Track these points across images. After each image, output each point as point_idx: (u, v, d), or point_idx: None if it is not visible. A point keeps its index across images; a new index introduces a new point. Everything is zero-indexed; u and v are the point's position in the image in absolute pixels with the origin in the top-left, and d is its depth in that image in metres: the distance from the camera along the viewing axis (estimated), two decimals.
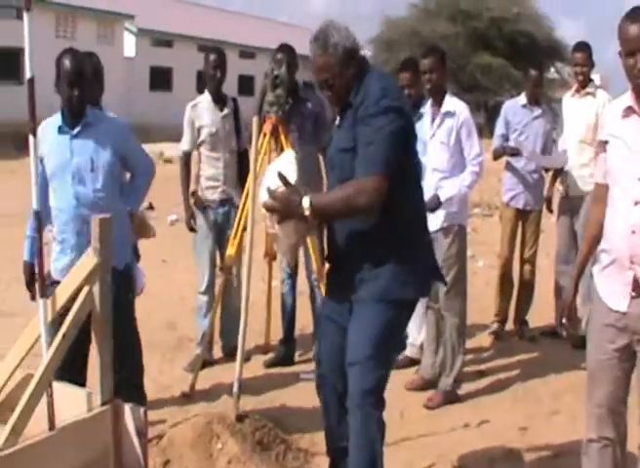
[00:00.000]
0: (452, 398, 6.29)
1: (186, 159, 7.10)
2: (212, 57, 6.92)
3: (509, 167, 7.86)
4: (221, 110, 6.95)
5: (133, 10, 37.22)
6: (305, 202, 3.80)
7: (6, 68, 29.95)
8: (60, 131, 4.94)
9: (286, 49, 6.75)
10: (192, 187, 7.08)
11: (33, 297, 5.10)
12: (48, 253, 4.58)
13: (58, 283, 4.75)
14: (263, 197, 3.98)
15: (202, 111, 6.94)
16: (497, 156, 7.88)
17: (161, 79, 38.88)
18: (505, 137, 7.81)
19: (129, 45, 38.53)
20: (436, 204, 6.01)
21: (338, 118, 4.20)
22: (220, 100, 7.00)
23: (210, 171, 6.98)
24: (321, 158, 6.79)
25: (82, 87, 4.81)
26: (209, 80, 7.00)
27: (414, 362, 7.07)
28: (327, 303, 4.45)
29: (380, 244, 4.02)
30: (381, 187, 3.82)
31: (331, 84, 4.04)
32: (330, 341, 4.27)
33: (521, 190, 7.78)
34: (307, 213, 3.80)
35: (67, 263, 4.88)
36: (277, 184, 3.92)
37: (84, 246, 4.62)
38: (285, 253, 4.83)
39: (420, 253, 4.18)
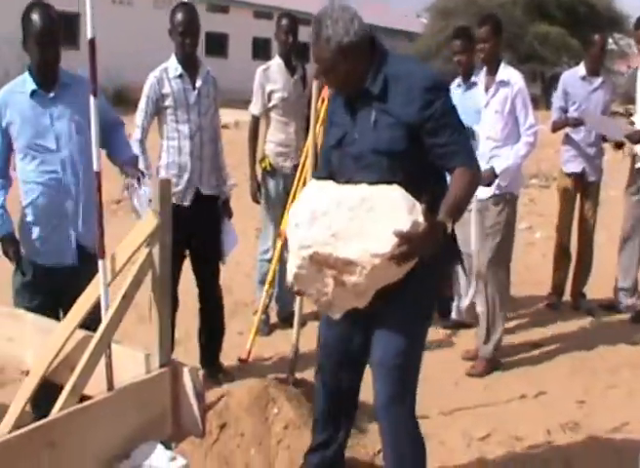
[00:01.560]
0: (494, 365, 6.26)
1: (255, 124, 6.97)
2: (284, 21, 6.83)
3: (568, 139, 7.72)
4: (292, 75, 6.88)
5: None
6: (448, 221, 3.45)
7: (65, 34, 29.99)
8: (34, 95, 4.51)
9: None
10: (258, 154, 7.00)
11: (24, 273, 4.65)
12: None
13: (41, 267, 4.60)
14: (385, 247, 3.33)
15: (274, 75, 6.84)
16: (557, 128, 7.75)
17: (216, 45, 38.79)
18: (564, 110, 7.67)
19: None
20: (492, 177, 5.94)
21: (347, 108, 3.82)
22: (290, 66, 6.91)
23: (280, 136, 6.90)
24: None
25: (57, 44, 4.40)
26: (280, 45, 6.91)
27: (459, 324, 7.12)
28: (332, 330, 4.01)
29: None
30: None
31: (328, 76, 3.74)
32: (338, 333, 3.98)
33: (580, 162, 7.64)
34: (449, 229, 3.48)
35: (47, 241, 4.59)
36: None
37: (67, 219, 4.56)
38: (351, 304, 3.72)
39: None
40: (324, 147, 4.08)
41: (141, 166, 5.49)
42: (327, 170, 3.98)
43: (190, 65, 5.61)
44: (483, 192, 6.09)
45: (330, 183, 3.70)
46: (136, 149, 5.42)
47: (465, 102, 6.70)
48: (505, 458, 4.83)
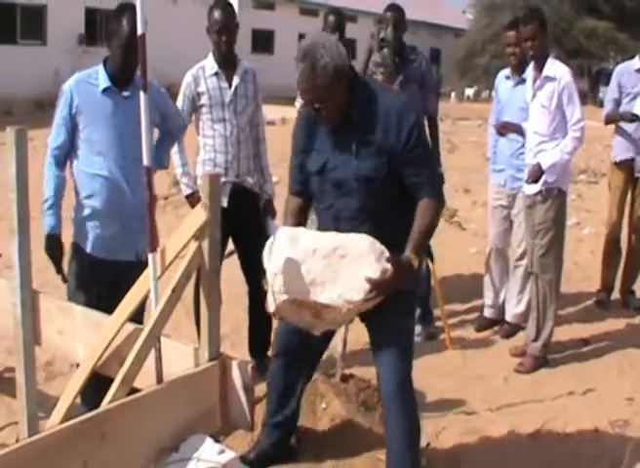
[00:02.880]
0: (542, 363, 6.21)
1: None
2: (331, 18, 6.75)
3: (620, 131, 7.62)
4: None
5: None
6: (415, 259, 3.76)
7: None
8: (106, 91, 4.58)
9: (394, 9, 6.63)
10: None
11: (64, 280, 4.72)
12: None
13: (95, 258, 4.66)
14: (358, 294, 3.64)
15: None
16: (609, 121, 7.67)
17: (263, 42, 38.94)
18: (618, 102, 7.58)
19: None
20: (539, 173, 5.91)
21: (329, 136, 3.92)
22: None
23: None
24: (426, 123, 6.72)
25: (136, 49, 4.21)
26: None
27: (493, 322, 7.07)
28: None
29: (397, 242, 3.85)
30: None
31: (320, 106, 3.77)
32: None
33: (632, 156, 7.55)
34: (416, 265, 3.79)
35: (103, 235, 4.65)
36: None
37: (120, 214, 4.60)
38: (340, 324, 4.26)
39: None
40: (301, 169, 4.10)
41: (176, 164, 5.56)
42: (299, 188, 4.13)
43: (227, 63, 5.59)
44: (531, 188, 6.05)
45: (299, 231, 3.85)
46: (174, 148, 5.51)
47: (513, 98, 6.69)
48: (553, 455, 4.80)
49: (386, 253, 3.66)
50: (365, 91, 3.87)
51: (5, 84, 24.11)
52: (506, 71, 6.90)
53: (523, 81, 6.58)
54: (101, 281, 4.62)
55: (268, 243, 3.81)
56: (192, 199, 5.57)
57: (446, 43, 49.10)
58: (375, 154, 3.79)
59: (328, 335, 4.23)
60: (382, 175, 3.80)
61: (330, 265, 3.67)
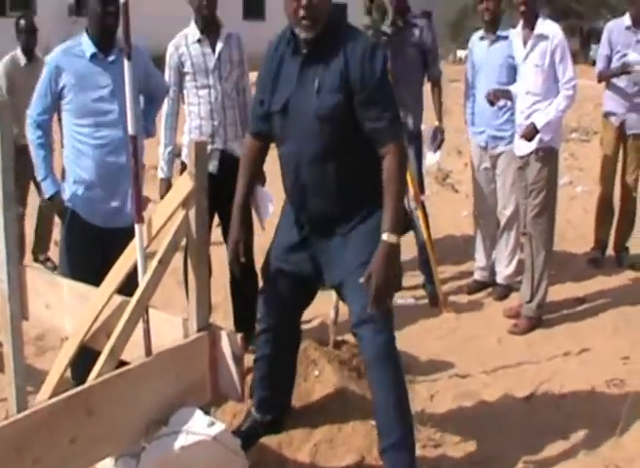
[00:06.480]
0: (537, 323, 6.18)
1: None
2: None
3: (612, 87, 7.54)
4: None
5: None
6: (392, 239, 3.67)
7: None
8: (93, 58, 4.57)
9: None
10: None
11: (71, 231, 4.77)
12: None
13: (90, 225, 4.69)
14: None
15: None
16: (602, 78, 7.60)
17: (254, 8, 38.58)
18: (609, 59, 7.50)
19: None
20: (533, 132, 5.86)
21: (294, 72, 3.84)
22: None
23: None
24: (430, 89, 6.82)
25: (117, 9, 4.31)
26: None
27: (484, 285, 7.04)
28: (279, 250, 4.14)
29: (367, 199, 3.85)
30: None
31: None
32: (280, 297, 4.12)
33: (623, 112, 7.48)
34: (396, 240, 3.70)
35: (96, 203, 4.67)
36: None
37: (112, 182, 4.62)
38: None
39: None
40: (263, 107, 4.02)
41: (161, 141, 5.51)
42: (260, 128, 4.10)
43: (210, 28, 5.47)
44: (524, 148, 6.01)
45: None
46: (163, 123, 5.49)
47: (489, 57, 6.63)
48: (549, 417, 4.77)
49: None
50: (343, 26, 3.87)
51: None
52: (480, 32, 6.85)
53: (498, 38, 6.56)
54: (95, 245, 4.62)
55: None
56: (163, 184, 5.53)
57: (438, 4, 48.72)
58: (336, 90, 3.72)
59: (304, 302, 4.24)
60: (342, 115, 3.73)
61: None
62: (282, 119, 3.90)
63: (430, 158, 7.10)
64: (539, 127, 5.84)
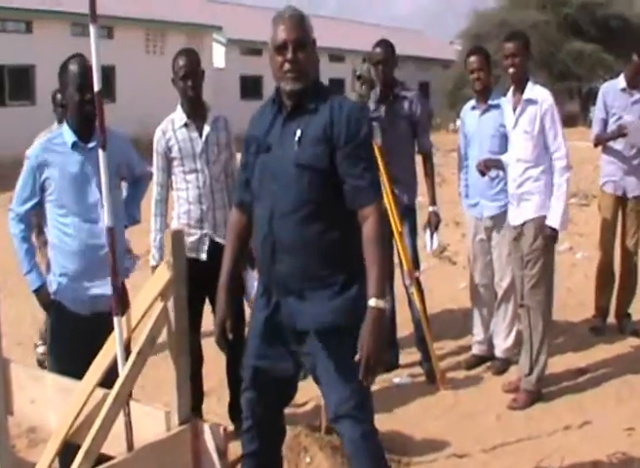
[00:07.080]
0: (537, 397, 6.06)
1: None
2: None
3: (608, 151, 7.55)
4: None
5: (220, 21, 37.42)
6: (380, 304, 3.61)
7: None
8: (74, 147, 4.56)
9: (382, 45, 6.58)
10: None
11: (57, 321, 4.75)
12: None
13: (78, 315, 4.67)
14: None
15: None
16: (599, 142, 7.59)
17: (252, 87, 39.05)
18: (605, 122, 7.50)
19: (218, 56, 38.75)
20: (554, 233, 5.88)
21: (278, 128, 3.88)
22: None
23: None
24: (421, 161, 6.76)
25: (91, 93, 4.14)
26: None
27: (483, 359, 6.93)
28: (256, 343, 4.04)
29: (340, 262, 3.80)
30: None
31: (300, 54, 3.75)
32: (261, 397, 4.04)
33: (620, 176, 7.46)
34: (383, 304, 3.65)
35: (81, 294, 4.63)
36: None
37: (97, 271, 4.54)
38: None
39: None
40: (244, 171, 4.05)
41: (152, 227, 5.49)
42: (242, 198, 4.09)
43: (196, 112, 5.46)
44: (518, 216, 5.97)
45: None
46: (153, 209, 5.48)
47: (481, 127, 6.62)
48: None
49: None
50: (325, 88, 3.98)
51: None
52: (472, 102, 6.85)
53: (490, 108, 6.56)
54: (82, 335, 4.53)
55: None
56: (154, 272, 5.46)
57: (434, 75, 49.20)
58: (318, 142, 3.72)
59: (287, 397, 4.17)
60: (322, 166, 3.71)
61: None
62: (261, 172, 3.87)
63: (433, 243, 6.98)
64: (557, 226, 5.83)
